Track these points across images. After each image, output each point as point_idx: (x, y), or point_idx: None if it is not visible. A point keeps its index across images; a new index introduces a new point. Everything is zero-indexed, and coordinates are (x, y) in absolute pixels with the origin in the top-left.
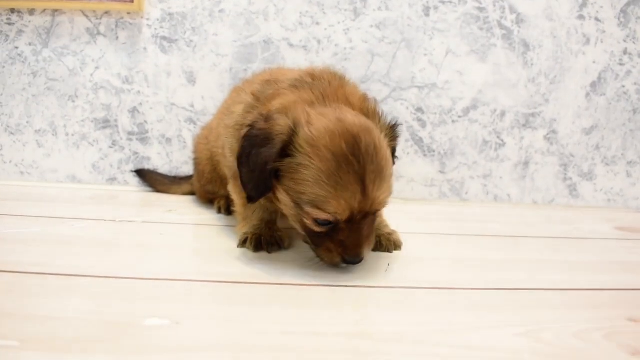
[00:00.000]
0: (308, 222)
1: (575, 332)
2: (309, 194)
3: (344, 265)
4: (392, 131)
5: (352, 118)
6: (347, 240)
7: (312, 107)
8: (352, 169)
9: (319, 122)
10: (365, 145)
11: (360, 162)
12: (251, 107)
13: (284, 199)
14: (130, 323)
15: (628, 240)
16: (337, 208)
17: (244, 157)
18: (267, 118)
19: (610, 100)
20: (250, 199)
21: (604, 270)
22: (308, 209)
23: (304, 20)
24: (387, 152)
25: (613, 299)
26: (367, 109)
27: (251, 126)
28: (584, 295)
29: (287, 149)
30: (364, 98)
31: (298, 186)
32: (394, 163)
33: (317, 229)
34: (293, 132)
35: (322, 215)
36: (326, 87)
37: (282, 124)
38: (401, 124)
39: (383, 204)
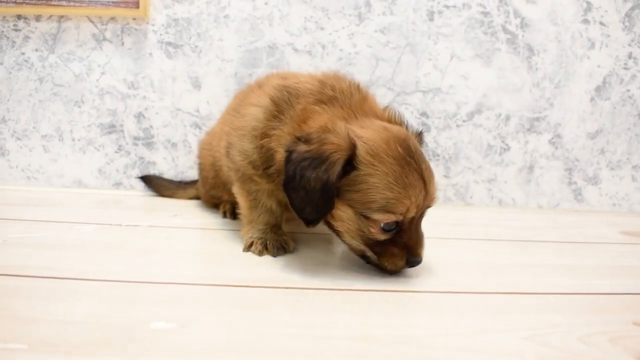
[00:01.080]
0: (374, 231)
1: (580, 336)
2: (379, 200)
3: (406, 268)
4: (419, 138)
5: (392, 127)
6: (409, 241)
7: (348, 122)
8: (413, 169)
9: (368, 134)
10: (414, 147)
11: (417, 161)
12: (273, 116)
13: (344, 215)
14: (137, 326)
15: (633, 244)
16: (408, 206)
17: (295, 182)
18: (312, 140)
19: (615, 105)
20: (309, 223)
21: (609, 275)
22: (378, 215)
23: (308, 25)
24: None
25: (618, 303)
26: (394, 118)
27: (292, 151)
28: (589, 299)
29: (347, 165)
30: (386, 109)
31: (366, 196)
32: None
33: (382, 236)
34: (353, 147)
35: (393, 218)
36: (351, 101)
37: (336, 142)
38: (426, 132)
39: (436, 198)
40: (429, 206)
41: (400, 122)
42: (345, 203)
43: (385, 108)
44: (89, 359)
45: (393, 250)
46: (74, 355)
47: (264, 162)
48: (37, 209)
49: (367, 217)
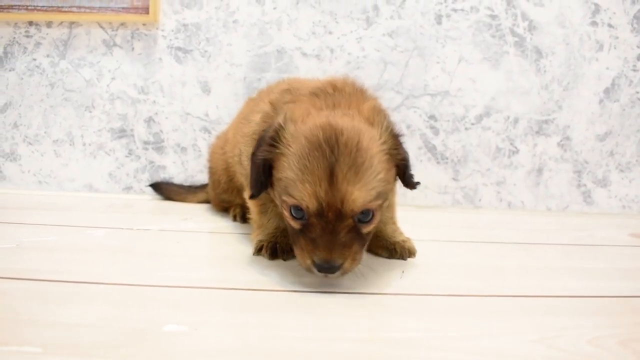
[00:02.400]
0: (286, 214)
1: (589, 339)
2: (283, 179)
3: (319, 273)
4: (393, 140)
5: (345, 119)
6: (318, 239)
7: (318, 111)
8: (322, 155)
9: (310, 120)
10: (346, 139)
11: (335, 152)
12: (268, 117)
13: (273, 194)
14: (150, 329)
15: None
16: (302, 192)
17: (251, 157)
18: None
19: (624, 107)
20: (252, 196)
21: (618, 277)
22: (284, 196)
23: (316, 29)
24: (378, 158)
25: (628, 305)
26: (373, 118)
27: (265, 130)
28: (598, 302)
29: (275, 144)
30: (375, 109)
31: (278, 174)
32: (411, 185)
33: (293, 223)
34: (281, 127)
35: (291, 201)
36: (341, 96)
37: (272, 123)
38: (403, 135)
39: (360, 205)
40: (346, 210)
41: (376, 123)
42: (273, 181)
43: (375, 108)
44: None
45: (302, 244)
46: (87, 358)
47: None
48: (49, 213)
49: (281, 199)
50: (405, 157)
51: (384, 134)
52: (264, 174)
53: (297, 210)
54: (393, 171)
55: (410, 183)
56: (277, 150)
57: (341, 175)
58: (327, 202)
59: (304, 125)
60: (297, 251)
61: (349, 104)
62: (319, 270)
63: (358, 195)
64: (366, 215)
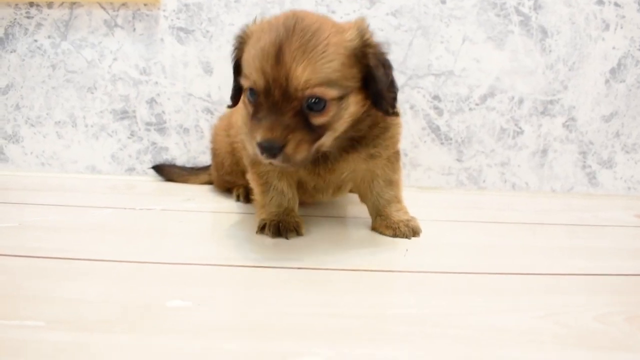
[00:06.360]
0: (245, 100)
1: (595, 315)
2: (243, 63)
3: (264, 158)
4: (364, 44)
5: (309, 14)
6: (263, 119)
7: None
8: (276, 35)
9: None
10: (304, 25)
11: (288, 33)
12: None
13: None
14: (153, 305)
15: None
16: (251, 69)
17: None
18: None
19: (630, 87)
20: (231, 104)
21: (623, 257)
22: (242, 80)
23: (319, 8)
24: (335, 49)
25: (634, 284)
26: (350, 25)
27: None
28: (604, 280)
29: (242, 39)
30: (357, 24)
31: (242, 64)
32: (382, 105)
33: (249, 107)
34: (246, 26)
35: (245, 83)
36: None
37: None
38: (381, 44)
39: (303, 83)
40: (292, 90)
41: (349, 26)
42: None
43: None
44: (105, 336)
45: (250, 126)
46: (89, 332)
47: None
48: (52, 194)
49: (243, 86)
50: (381, 65)
51: (355, 35)
52: (236, 78)
53: (251, 93)
54: (354, 70)
55: (383, 100)
56: (242, 44)
57: (288, 52)
58: (273, 78)
59: (266, 21)
60: (246, 138)
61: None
62: (262, 152)
63: (302, 73)
64: (318, 104)
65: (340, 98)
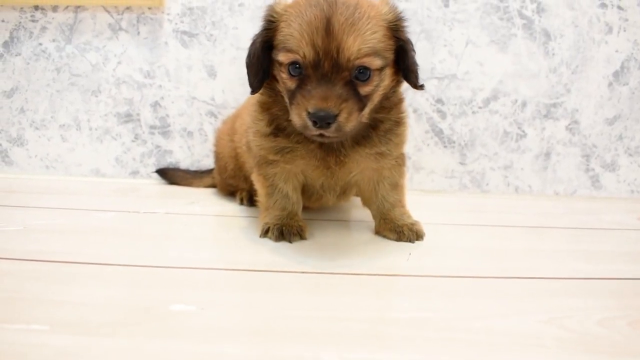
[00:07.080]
0: (284, 76)
1: (598, 319)
2: (281, 39)
3: (315, 129)
4: (398, 19)
5: None
6: (313, 90)
7: None
8: (320, 9)
9: None
10: (344, 0)
11: (332, 7)
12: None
13: (276, 71)
14: (156, 308)
15: None
16: (300, 42)
17: (246, 61)
18: None
19: (634, 90)
20: (253, 89)
21: (626, 260)
22: (281, 57)
23: None
24: (375, 21)
25: (637, 288)
26: (381, 1)
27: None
28: (607, 284)
29: (272, 20)
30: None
31: (277, 39)
32: (414, 79)
33: (290, 83)
34: (272, 7)
35: (287, 58)
36: None
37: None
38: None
39: (355, 53)
40: (343, 61)
41: (380, 1)
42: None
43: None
44: (109, 339)
45: (298, 99)
46: (94, 336)
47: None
48: (56, 197)
49: (279, 63)
50: (410, 41)
51: (389, 9)
52: (264, 60)
53: (294, 68)
54: (391, 42)
55: (412, 73)
56: (274, 24)
57: (337, 25)
58: (324, 50)
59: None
60: (293, 111)
61: None
62: (314, 123)
63: (353, 44)
64: (364, 74)
65: (382, 69)
